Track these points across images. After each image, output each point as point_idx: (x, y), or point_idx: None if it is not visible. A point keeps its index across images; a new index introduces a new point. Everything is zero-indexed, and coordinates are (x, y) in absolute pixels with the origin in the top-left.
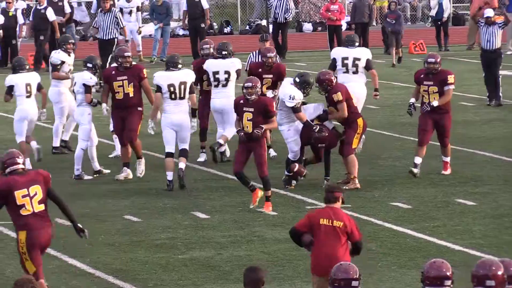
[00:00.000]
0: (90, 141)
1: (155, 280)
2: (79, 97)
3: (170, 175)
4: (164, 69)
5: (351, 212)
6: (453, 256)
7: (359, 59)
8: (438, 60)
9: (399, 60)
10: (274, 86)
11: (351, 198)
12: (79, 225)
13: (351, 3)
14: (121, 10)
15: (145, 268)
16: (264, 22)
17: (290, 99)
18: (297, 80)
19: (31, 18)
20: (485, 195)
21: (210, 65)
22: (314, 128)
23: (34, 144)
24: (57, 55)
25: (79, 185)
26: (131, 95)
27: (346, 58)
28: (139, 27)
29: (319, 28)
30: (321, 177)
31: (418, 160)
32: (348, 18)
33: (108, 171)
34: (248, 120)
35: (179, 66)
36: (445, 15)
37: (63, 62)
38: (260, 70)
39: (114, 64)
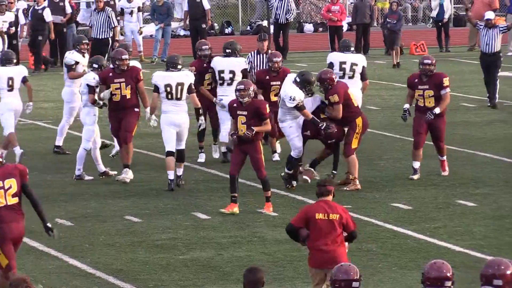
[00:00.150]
0: (93, 143)
1: (155, 281)
2: (85, 98)
3: (171, 174)
4: (164, 70)
5: (352, 213)
6: (454, 257)
7: (356, 65)
8: (434, 61)
9: (398, 65)
10: None
11: (351, 199)
12: (48, 224)
13: (352, 4)
14: (122, 10)
15: (146, 268)
16: (265, 23)
17: (290, 100)
18: (298, 79)
19: (29, 18)
20: (485, 196)
21: (217, 63)
22: (320, 125)
23: (17, 150)
24: (71, 56)
25: (80, 186)
26: (128, 97)
27: (344, 63)
28: (140, 28)
29: (320, 29)
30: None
31: (416, 164)
32: (349, 19)
33: (114, 172)
34: (242, 123)
35: (179, 67)
36: (446, 16)
37: (77, 63)
38: (267, 77)
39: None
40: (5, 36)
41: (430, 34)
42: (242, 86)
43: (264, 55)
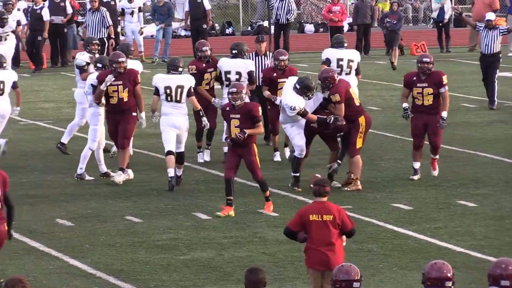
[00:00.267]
0: (98, 143)
1: (156, 281)
2: (90, 98)
3: (171, 172)
4: (165, 72)
5: (352, 213)
6: (454, 258)
7: (352, 61)
8: (432, 60)
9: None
10: None
11: (352, 199)
12: (11, 231)
13: (353, 5)
14: (123, 10)
15: (146, 269)
16: (265, 23)
17: (291, 110)
18: (298, 86)
19: (28, 18)
20: (486, 197)
21: (223, 64)
22: (328, 120)
23: (1, 140)
24: (81, 57)
25: (81, 186)
26: (126, 99)
27: (341, 59)
28: (141, 28)
29: (321, 29)
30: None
31: (417, 165)
32: (350, 20)
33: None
34: (235, 126)
35: (180, 69)
36: (447, 16)
37: (88, 64)
38: (274, 74)
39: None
40: (19, 34)
41: (431, 34)
42: (234, 89)
43: (263, 56)
